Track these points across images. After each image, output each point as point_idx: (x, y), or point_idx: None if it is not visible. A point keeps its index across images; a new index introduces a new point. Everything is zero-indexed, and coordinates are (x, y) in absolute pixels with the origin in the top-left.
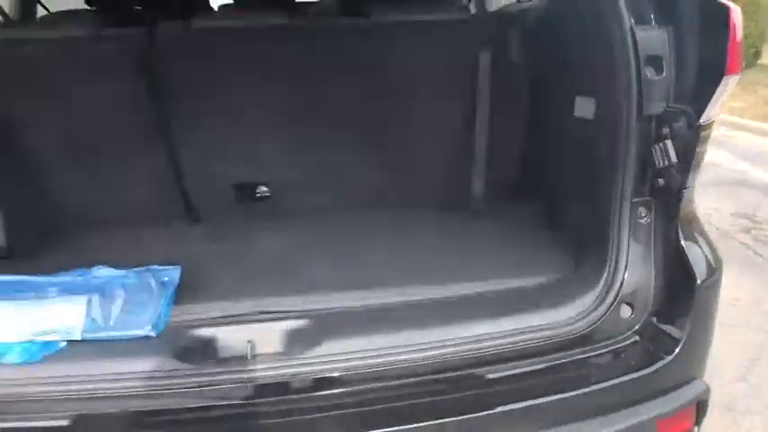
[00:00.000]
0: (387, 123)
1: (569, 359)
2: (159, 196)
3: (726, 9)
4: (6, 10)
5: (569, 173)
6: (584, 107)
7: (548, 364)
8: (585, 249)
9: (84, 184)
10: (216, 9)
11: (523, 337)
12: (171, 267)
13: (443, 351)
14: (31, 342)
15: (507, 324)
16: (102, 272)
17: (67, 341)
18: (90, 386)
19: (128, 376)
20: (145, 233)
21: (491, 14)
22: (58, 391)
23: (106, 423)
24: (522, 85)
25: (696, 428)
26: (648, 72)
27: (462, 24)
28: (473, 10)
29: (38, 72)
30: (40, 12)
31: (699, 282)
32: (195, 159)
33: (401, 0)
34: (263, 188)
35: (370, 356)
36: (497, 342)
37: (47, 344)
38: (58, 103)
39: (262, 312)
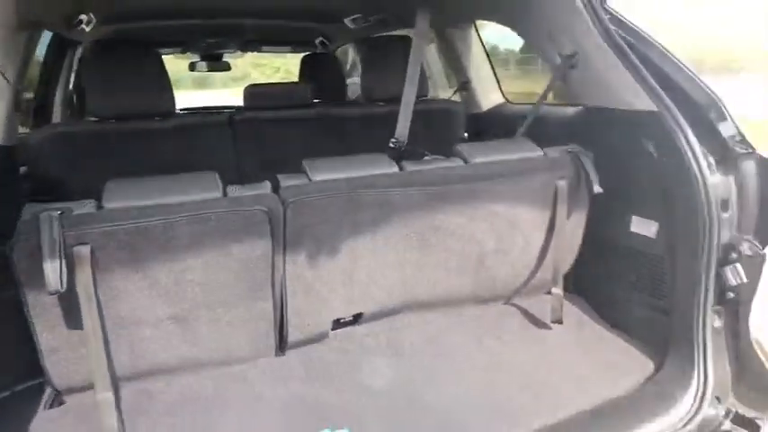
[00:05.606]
0: (484, 244)
1: None
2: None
3: None
4: None
5: (631, 278)
6: (643, 226)
7: None
8: (666, 351)
9: None
10: None
11: None
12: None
13: None
14: None
15: None
16: None
17: None
18: None
19: None
20: None
21: (566, 152)
22: None
23: None
24: (586, 203)
25: None
26: (718, 209)
27: (543, 161)
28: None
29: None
30: None
31: None
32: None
33: (492, 147)
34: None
35: None
36: None
37: None
38: None
39: None
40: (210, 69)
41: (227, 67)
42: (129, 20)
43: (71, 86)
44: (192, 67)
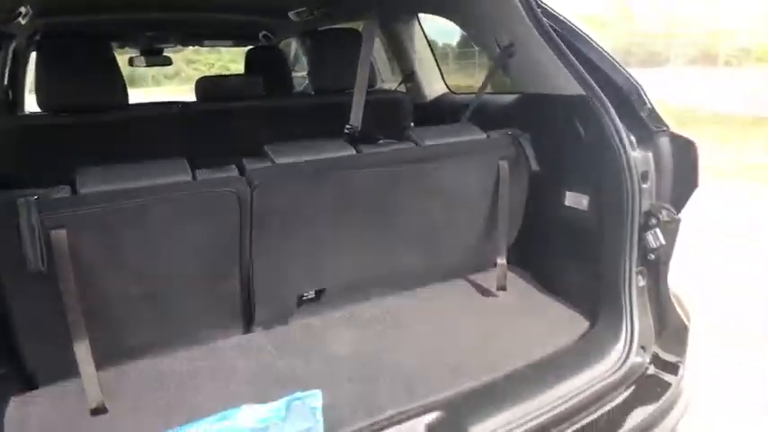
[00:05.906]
0: (435, 221)
1: (620, 398)
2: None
3: (693, 143)
4: None
5: (566, 247)
6: (576, 200)
7: (610, 406)
8: (598, 310)
9: None
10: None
11: (591, 391)
12: (312, 392)
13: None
14: None
15: (576, 382)
16: (251, 412)
17: None
18: None
19: None
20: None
21: (506, 135)
22: None
23: None
24: (525, 181)
25: None
26: (639, 181)
27: (486, 143)
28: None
29: None
30: None
31: (689, 322)
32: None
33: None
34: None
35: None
36: (578, 398)
37: None
38: None
39: (399, 414)
40: (150, 64)
41: (168, 62)
42: (66, 13)
43: (5, 81)
44: (132, 62)
